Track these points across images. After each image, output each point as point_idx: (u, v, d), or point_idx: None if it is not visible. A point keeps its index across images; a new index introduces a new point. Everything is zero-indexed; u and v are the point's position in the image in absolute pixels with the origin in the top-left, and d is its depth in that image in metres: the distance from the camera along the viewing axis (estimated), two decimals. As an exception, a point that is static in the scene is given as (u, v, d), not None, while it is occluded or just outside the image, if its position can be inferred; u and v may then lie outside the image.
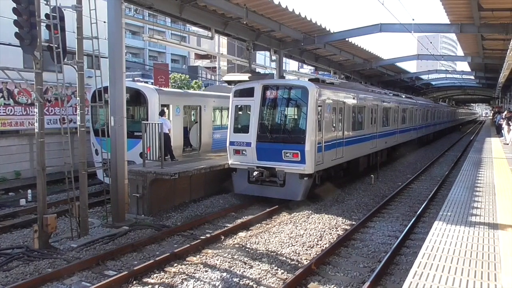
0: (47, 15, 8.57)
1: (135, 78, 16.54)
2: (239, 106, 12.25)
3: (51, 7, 8.57)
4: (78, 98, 9.27)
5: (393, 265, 7.39)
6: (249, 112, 11.86)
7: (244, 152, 11.67)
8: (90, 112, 14.18)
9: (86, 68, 10.60)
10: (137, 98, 13.40)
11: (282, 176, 11.24)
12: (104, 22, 10.09)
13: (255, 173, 11.41)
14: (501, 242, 5.29)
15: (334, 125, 12.50)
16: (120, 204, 10.03)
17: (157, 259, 7.41)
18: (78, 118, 9.28)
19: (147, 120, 12.55)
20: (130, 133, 11.55)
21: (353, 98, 14.32)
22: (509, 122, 17.04)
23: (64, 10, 8.87)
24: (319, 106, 11.37)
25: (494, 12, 13.57)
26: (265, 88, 11.79)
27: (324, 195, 12.34)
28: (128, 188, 10.40)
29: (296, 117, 11.84)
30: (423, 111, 28.13)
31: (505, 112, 21.44)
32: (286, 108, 11.96)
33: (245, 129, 11.81)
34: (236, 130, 12.03)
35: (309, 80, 13.50)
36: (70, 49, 9.40)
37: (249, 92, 11.85)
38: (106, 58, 10.11)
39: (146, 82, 18.02)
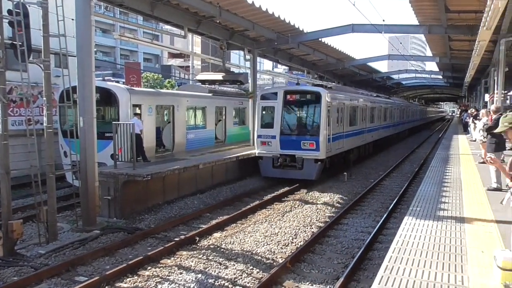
0: (9, 11, 8.25)
1: (106, 78, 16.19)
2: (264, 106, 15.09)
3: (14, 2, 8.27)
4: (44, 98, 8.99)
5: (366, 260, 7.55)
6: (271, 112, 14.79)
7: (269, 143, 14.51)
8: (58, 112, 13.77)
9: (53, 67, 10.31)
10: (107, 98, 13.12)
11: (300, 162, 14.09)
12: (72, 19, 9.82)
13: (279, 159, 14.29)
14: (467, 235, 5.50)
15: (337, 121, 15.48)
16: (91, 207, 9.81)
17: (130, 262, 7.28)
18: (45, 119, 8.99)
19: (118, 121, 12.32)
20: (100, 134, 11.32)
21: (350, 100, 17.57)
22: (475, 120, 17.69)
23: (29, 6, 8.58)
24: (328, 106, 14.33)
25: (460, 14, 14.09)
26: (286, 93, 14.77)
27: (302, 193, 12.45)
28: (99, 191, 10.17)
29: (311, 115, 14.80)
30: (400, 110, 31.21)
31: (472, 110, 22.25)
32: (303, 109, 15.09)
33: (269, 125, 14.67)
34: (263, 126, 14.92)
35: (314, 85, 17.95)
36: (35, 47, 9.10)
37: (273, 96, 14.89)
38: (75, 56, 9.86)
39: (117, 82, 17.67)
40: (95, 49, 11.49)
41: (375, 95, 25.28)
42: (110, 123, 12.24)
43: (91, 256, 7.77)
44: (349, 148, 16.95)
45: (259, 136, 14.83)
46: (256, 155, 14.85)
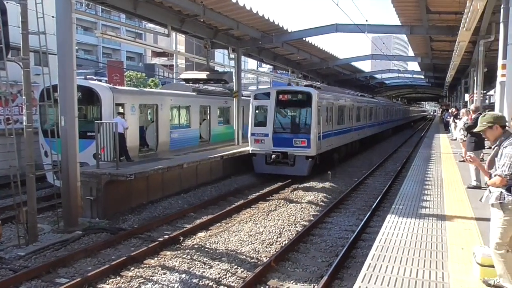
0: (-13, 9, 8.05)
1: (88, 76, 15.96)
2: (258, 106, 15.67)
3: (-8, -1, 8.06)
4: (24, 97, 8.79)
5: (350, 258, 7.62)
6: (264, 111, 15.41)
7: (263, 141, 15.12)
8: (39, 111, 13.52)
9: (33, 65, 10.08)
10: (89, 97, 12.95)
11: (292, 158, 14.71)
12: (53, 16, 9.62)
13: (272, 156, 14.86)
14: (448, 232, 5.61)
15: (327, 120, 16.23)
16: (73, 207, 9.64)
17: (112, 263, 7.19)
18: (25, 118, 8.80)
19: (101, 120, 12.17)
20: (82, 134, 11.20)
21: (338, 100, 18.37)
22: (455, 119, 18.05)
23: (7, 2, 8.39)
24: (318, 106, 15.03)
25: (441, 15, 14.34)
26: (278, 93, 15.39)
27: (286, 192, 12.49)
28: (81, 191, 10.00)
29: (303, 114, 15.43)
30: (384, 109, 32.01)
31: (452, 109, 22.70)
32: (295, 108, 15.71)
33: (263, 124, 15.28)
34: (256, 125, 15.48)
35: (305, 85, 18.79)
36: (14, 44, 8.90)
37: (265, 96, 15.50)
38: (55, 54, 9.66)
39: (100, 80, 17.45)
40: (76, 47, 11.29)
41: (360, 94, 25.94)
42: (93, 122, 12.06)
43: (72, 257, 7.63)
44: (337, 145, 17.68)
45: (252, 134, 15.41)
46: (250, 152, 15.42)
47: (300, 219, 10.17)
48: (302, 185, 14.10)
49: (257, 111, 15.78)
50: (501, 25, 8.64)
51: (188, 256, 7.65)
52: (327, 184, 14.33)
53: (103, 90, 13.01)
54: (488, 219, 4.05)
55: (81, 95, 11.92)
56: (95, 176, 10.49)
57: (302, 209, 11.03)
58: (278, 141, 14.97)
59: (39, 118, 13.57)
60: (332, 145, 16.82)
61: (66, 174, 9.59)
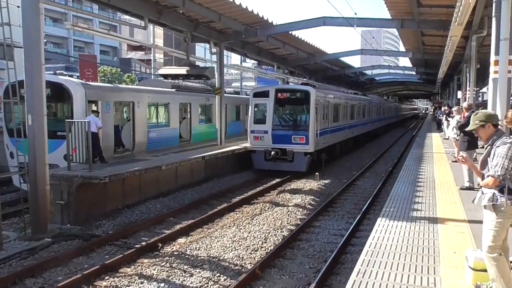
0: None
1: (58, 71, 15.77)
2: (257, 104, 17.06)
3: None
4: (-13, 94, 8.60)
5: (339, 264, 7.69)
6: (263, 109, 16.73)
7: (262, 138, 16.40)
8: (3, 109, 13.26)
9: (-4, 59, 9.88)
10: (59, 94, 12.77)
11: (291, 155, 16.02)
12: (18, 6, 9.43)
13: (272, 152, 16.06)
14: (440, 236, 5.72)
15: (324, 118, 17.51)
16: (41, 213, 9.46)
17: (85, 273, 7.09)
18: (-12, 116, 8.62)
19: (72, 118, 12.01)
20: (52, 133, 11.07)
21: (334, 98, 19.82)
22: (448, 118, 18.39)
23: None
24: (316, 104, 16.34)
25: (432, 9, 14.59)
26: (277, 91, 16.69)
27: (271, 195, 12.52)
28: (50, 195, 9.84)
29: (301, 112, 16.83)
30: (377, 107, 33.52)
31: (445, 107, 23.13)
32: (293, 106, 17.17)
33: (262, 121, 16.59)
34: (255, 122, 16.75)
35: (301, 83, 19.71)
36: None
37: (265, 94, 16.74)
38: (21, 47, 9.47)
39: (71, 76, 17.19)
40: (45, 40, 11.10)
41: (353, 92, 27.29)
42: (63, 121, 11.90)
43: (41, 266, 7.49)
44: (333, 142, 19.20)
45: (252, 132, 16.72)
46: (249, 149, 16.71)
47: (287, 223, 10.21)
48: (288, 188, 14.17)
49: (256, 109, 17.03)
50: (493, 20, 8.80)
51: (167, 264, 7.60)
52: (315, 186, 14.42)
53: (74, 86, 12.84)
54: (481, 222, 4.14)
55: (50, 91, 11.77)
56: (66, 179, 10.34)
57: (288, 213, 11.08)
58: (277, 138, 16.22)
59: (4, 117, 13.32)
60: (328, 142, 18.15)
61: (34, 176, 9.41)
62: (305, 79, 23.93)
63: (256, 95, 17.23)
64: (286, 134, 16.24)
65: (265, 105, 16.67)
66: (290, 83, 21.76)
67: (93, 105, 13.21)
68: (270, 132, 16.29)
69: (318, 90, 17.57)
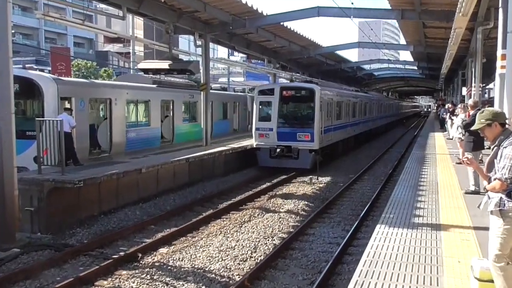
0: None
1: (27, 65, 15.67)
2: (262, 101, 18.45)
3: None
4: None
5: (335, 275, 7.71)
6: (268, 106, 18.06)
7: (267, 135, 17.68)
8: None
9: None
10: (29, 90, 12.75)
11: (296, 152, 17.26)
12: (-18, -7, 9.32)
13: (277, 150, 17.25)
14: (443, 244, 5.76)
15: (328, 116, 18.79)
16: (9, 221, 9.36)
17: (57, 286, 7.04)
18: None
19: (43, 117, 11.95)
20: (21, 133, 10.99)
21: (337, 96, 21.29)
22: (452, 116, 18.56)
23: None
24: (321, 101, 17.60)
25: (435, -2, 14.71)
26: (282, 89, 18.14)
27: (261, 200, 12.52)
28: (18, 201, 9.75)
29: (306, 109, 18.31)
30: (378, 105, 34.88)
31: (449, 105, 23.32)
32: (299, 103, 18.76)
33: (267, 119, 17.91)
34: (260, 119, 18.07)
35: (305, 81, 21.34)
36: None
37: (269, 92, 18.23)
38: (-14, 39, 9.36)
39: (42, 70, 17.05)
40: (12, 31, 10.99)
41: (353, 89, 28.53)
42: (33, 119, 11.86)
43: (8, 279, 7.40)
44: (336, 140, 20.55)
45: (257, 129, 17.96)
46: (254, 146, 17.90)
47: (278, 231, 10.22)
48: (280, 192, 14.19)
49: (261, 107, 18.41)
50: (500, 11, 8.89)
51: (148, 275, 7.56)
52: (309, 190, 14.47)
53: (45, 82, 12.77)
54: (487, 228, 4.17)
55: (18, 87, 11.71)
56: (36, 183, 10.27)
57: (280, 220, 11.09)
58: (282, 135, 17.46)
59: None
60: (332, 140, 19.51)
61: (1, 181, 9.32)
62: (298, 74, 24.13)
63: (261, 92, 18.60)
64: (291, 131, 17.44)
65: (270, 102, 17.94)
66: (294, 81, 23.35)
67: (66, 102, 13.16)
68: (275, 130, 17.47)
69: (322, 88, 18.86)
